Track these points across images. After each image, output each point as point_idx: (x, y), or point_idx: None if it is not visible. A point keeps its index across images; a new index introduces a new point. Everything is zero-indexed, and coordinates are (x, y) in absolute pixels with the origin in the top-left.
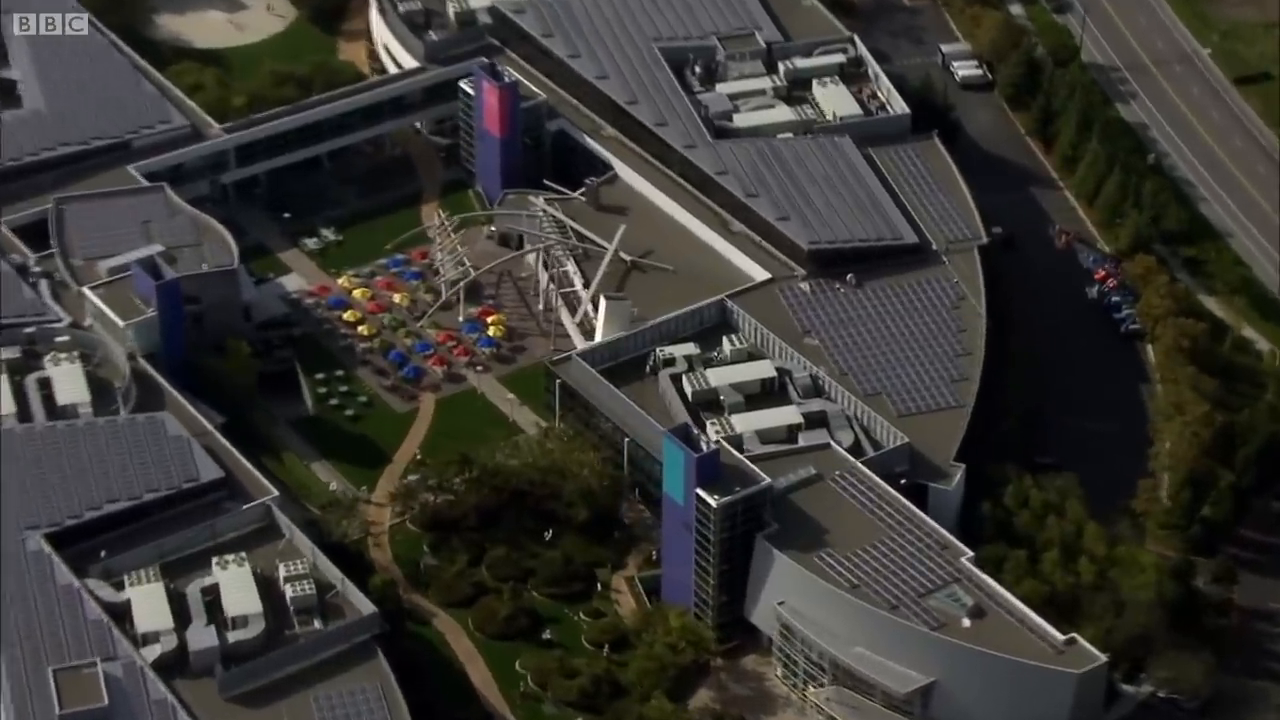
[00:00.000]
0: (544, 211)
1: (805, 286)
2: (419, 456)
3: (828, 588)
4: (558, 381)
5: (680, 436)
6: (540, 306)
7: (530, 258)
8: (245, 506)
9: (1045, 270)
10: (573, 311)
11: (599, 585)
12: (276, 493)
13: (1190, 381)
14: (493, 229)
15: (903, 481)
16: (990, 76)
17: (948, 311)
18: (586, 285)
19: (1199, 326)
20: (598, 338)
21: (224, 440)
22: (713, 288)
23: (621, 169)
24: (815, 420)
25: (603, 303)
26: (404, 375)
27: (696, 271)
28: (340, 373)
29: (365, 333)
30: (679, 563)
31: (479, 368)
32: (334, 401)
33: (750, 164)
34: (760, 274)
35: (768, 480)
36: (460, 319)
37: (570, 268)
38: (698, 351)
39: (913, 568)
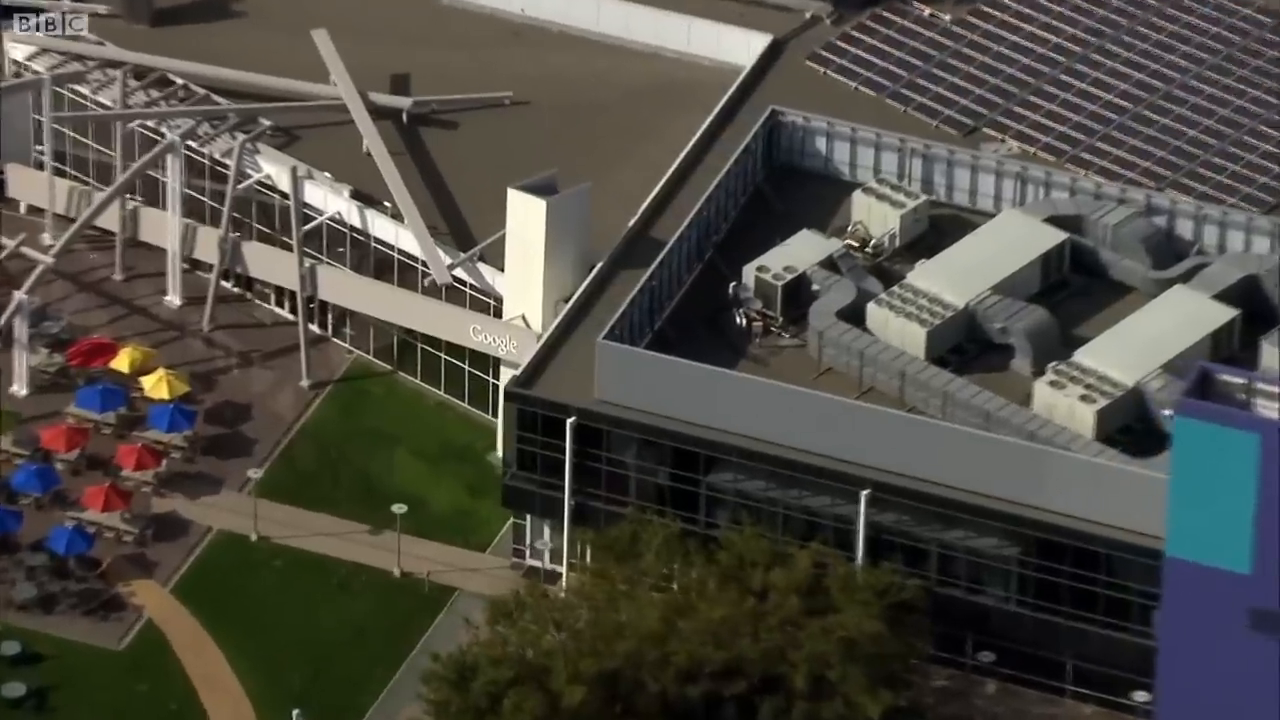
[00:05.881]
0: (76, 62)
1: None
2: None
3: None
4: (569, 422)
5: (1197, 401)
6: (201, 301)
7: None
8: None
9: None
10: (419, 283)
11: None
12: None
13: None
14: None
15: None
16: None
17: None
18: (362, 199)
19: None
20: (526, 304)
21: None
22: (636, 103)
23: None
24: (1251, 300)
25: (521, 201)
26: (48, 558)
27: (567, 79)
28: None
29: None
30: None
31: (249, 478)
32: None
33: None
34: (728, 42)
35: None
36: (19, 389)
37: (279, 172)
38: (840, 245)
39: None
